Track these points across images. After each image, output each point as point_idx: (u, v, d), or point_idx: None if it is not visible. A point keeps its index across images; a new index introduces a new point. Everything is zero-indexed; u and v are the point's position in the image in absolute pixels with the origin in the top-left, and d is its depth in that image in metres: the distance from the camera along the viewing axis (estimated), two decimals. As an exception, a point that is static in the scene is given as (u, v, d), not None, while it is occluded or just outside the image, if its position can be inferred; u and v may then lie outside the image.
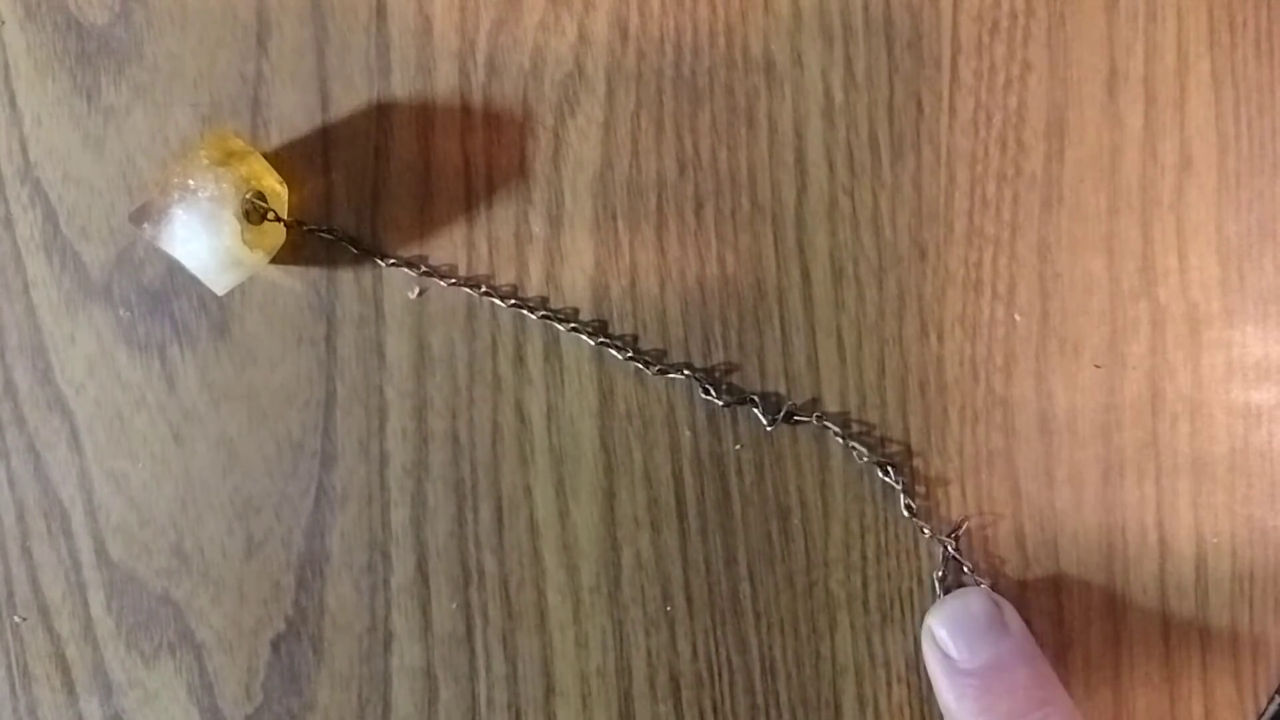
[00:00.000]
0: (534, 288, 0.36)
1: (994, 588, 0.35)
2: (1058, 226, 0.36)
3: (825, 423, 0.35)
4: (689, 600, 0.36)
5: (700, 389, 0.36)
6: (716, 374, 0.36)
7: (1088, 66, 0.36)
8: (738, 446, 0.36)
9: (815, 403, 0.36)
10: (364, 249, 0.36)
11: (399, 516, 0.36)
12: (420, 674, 0.36)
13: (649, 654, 0.36)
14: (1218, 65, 0.36)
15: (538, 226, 0.36)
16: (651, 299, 0.36)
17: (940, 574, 0.35)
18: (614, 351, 0.36)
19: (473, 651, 0.36)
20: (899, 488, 0.35)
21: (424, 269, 0.36)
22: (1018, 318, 0.36)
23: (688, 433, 0.36)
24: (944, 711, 0.33)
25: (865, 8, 0.36)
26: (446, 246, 0.36)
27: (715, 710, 0.36)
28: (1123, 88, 0.36)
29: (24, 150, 0.36)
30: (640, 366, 0.36)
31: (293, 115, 0.36)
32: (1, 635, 0.36)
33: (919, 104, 0.36)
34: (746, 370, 0.36)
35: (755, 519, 0.36)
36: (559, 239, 0.36)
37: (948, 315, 0.36)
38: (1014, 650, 0.32)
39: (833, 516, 0.36)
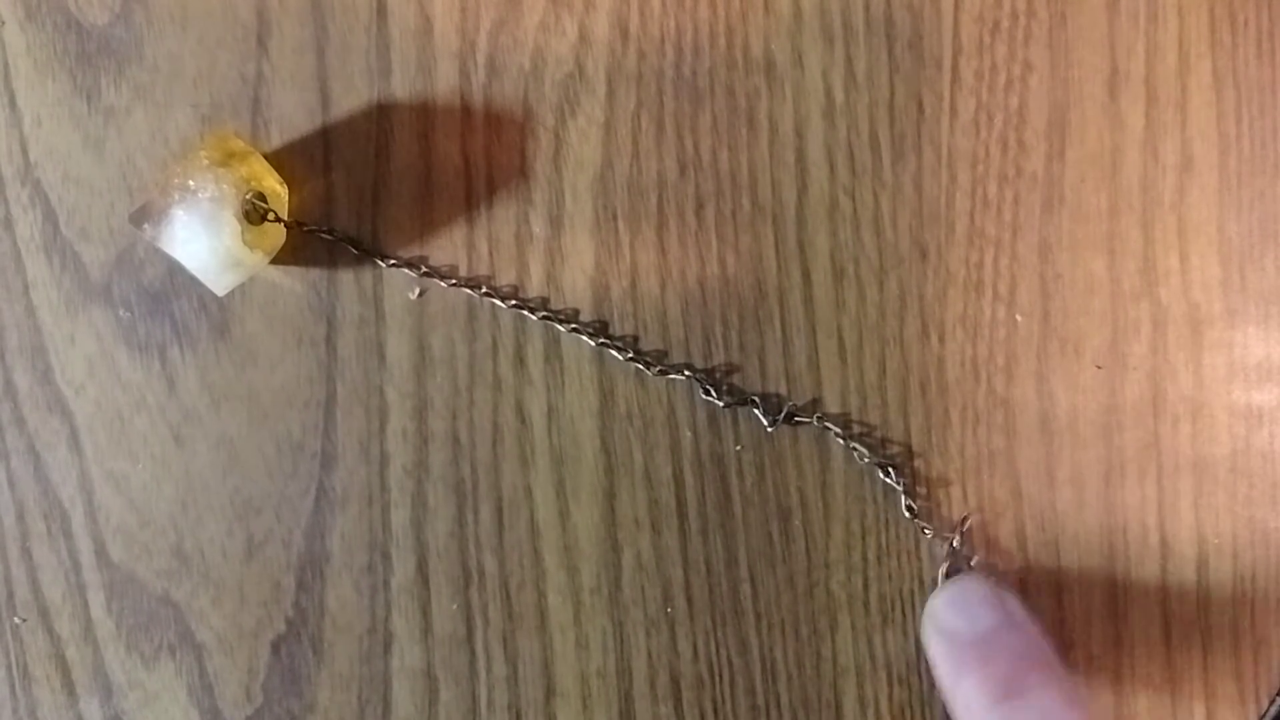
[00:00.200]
0: (535, 288, 0.36)
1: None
2: (1059, 227, 0.36)
3: (826, 423, 0.35)
4: (690, 601, 0.36)
5: (701, 390, 0.35)
6: (717, 375, 0.36)
7: (1089, 67, 0.36)
8: (738, 447, 0.36)
9: (816, 403, 0.36)
10: (364, 250, 0.36)
11: (399, 517, 0.36)
12: (420, 675, 0.36)
13: (649, 655, 0.36)
14: (1219, 65, 0.36)
15: (538, 227, 0.36)
16: (652, 299, 0.36)
17: (945, 569, 0.35)
18: (614, 352, 0.36)
19: (473, 653, 0.36)
20: (900, 489, 0.35)
21: (424, 270, 0.36)
22: (1019, 318, 0.36)
23: (688, 433, 0.36)
24: (946, 697, 0.33)
25: (866, 8, 0.36)
26: (447, 247, 0.36)
27: (716, 711, 0.36)
28: (1124, 88, 0.36)
29: (24, 151, 0.36)
30: (641, 367, 0.36)
31: (293, 115, 0.36)
32: (1, 636, 0.36)
33: (920, 104, 0.36)
34: (747, 371, 0.36)
35: (756, 520, 0.36)
36: (560, 239, 0.36)
37: (949, 316, 0.36)
38: (1012, 619, 0.32)
39: (834, 518, 0.36)
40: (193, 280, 0.34)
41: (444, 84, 0.36)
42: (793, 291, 0.36)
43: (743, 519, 0.36)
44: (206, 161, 0.33)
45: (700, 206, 0.36)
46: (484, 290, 0.36)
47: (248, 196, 0.33)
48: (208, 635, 0.36)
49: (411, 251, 0.36)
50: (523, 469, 0.36)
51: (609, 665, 0.36)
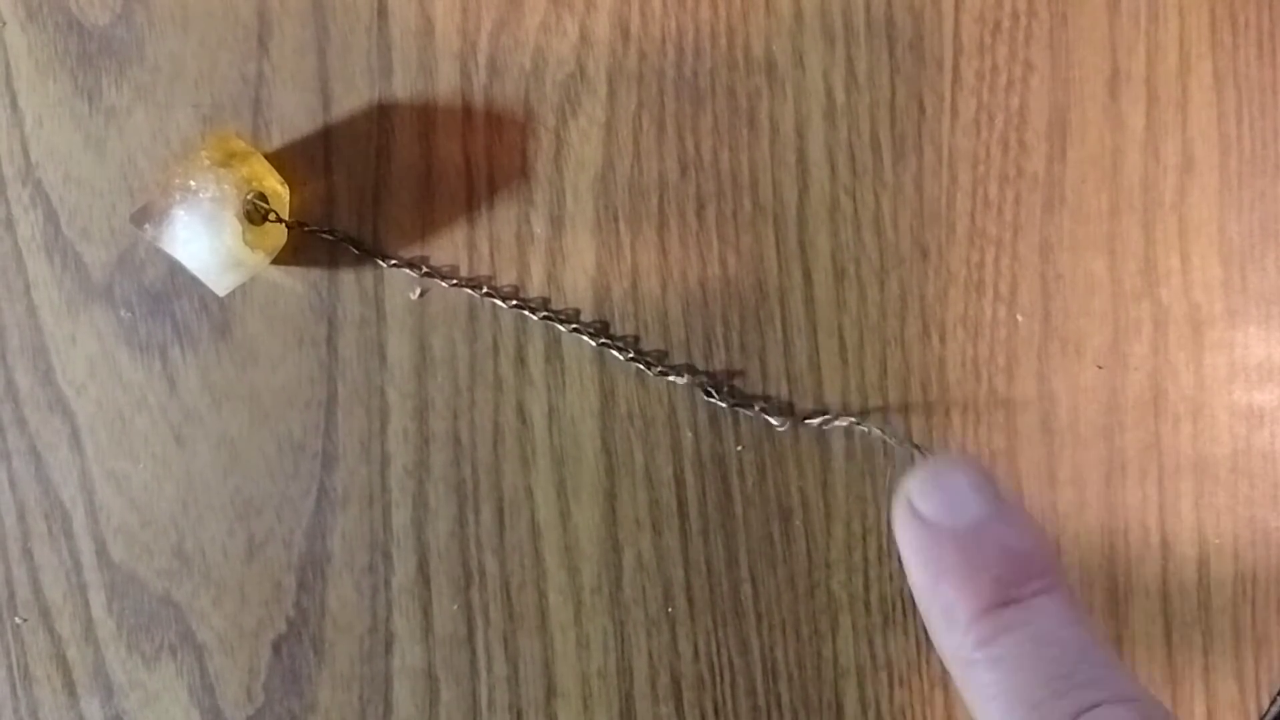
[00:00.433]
0: (535, 288, 0.36)
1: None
2: (1060, 227, 0.36)
3: (843, 418, 0.35)
4: (690, 601, 0.36)
5: (702, 392, 0.35)
6: (718, 376, 0.36)
7: (1090, 67, 0.36)
8: (739, 448, 0.36)
9: (819, 402, 0.36)
10: (365, 250, 0.36)
11: (400, 517, 0.36)
12: (421, 675, 0.36)
13: (650, 655, 0.36)
14: (1220, 66, 0.36)
15: (539, 227, 0.36)
16: (653, 300, 0.36)
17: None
18: (615, 352, 0.36)
19: (474, 653, 0.36)
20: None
21: (425, 270, 0.36)
22: (1020, 318, 0.36)
23: (689, 434, 0.36)
24: (920, 603, 0.26)
25: (867, 8, 0.36)
26: (448, 247, 0.36)
27: (717, 712, 0.36)
28: (1125, 88, 0.36)
29: (25, 151, 0.36)
30: (642, 367, 0.36)
31: (294, 116, 0.36)
32: (2, 636, 0.36)
33: (921, 105, 0.36)
34: (748, 371, 0.36)
35: (757, 520, 0.36)
36: (560, 240, 0.36)
37: (950, 316, 0.36)
38: (1005, 512, 0.25)
39: (835, 518, 0.36)
40: (194, 280, 0.34)
41: (445, 84, 0.36)
42: (794, 292, 0.36)
43: (744, 519, 0.36)
44: (208, 162, 0.33)
45: (701, 207, 0.36)
46: (485, 290, 0.36)
47: (249, 197, 0.33)
48: (209, 635, 0.36)
49: (412, 252, 0.36)
50: (523, 469, 0.36)
51: (610, 665, 0.36)
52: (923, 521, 0.26)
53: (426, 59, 0.36)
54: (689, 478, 0.36)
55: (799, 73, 0.36)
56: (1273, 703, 0.36)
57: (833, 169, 0.36)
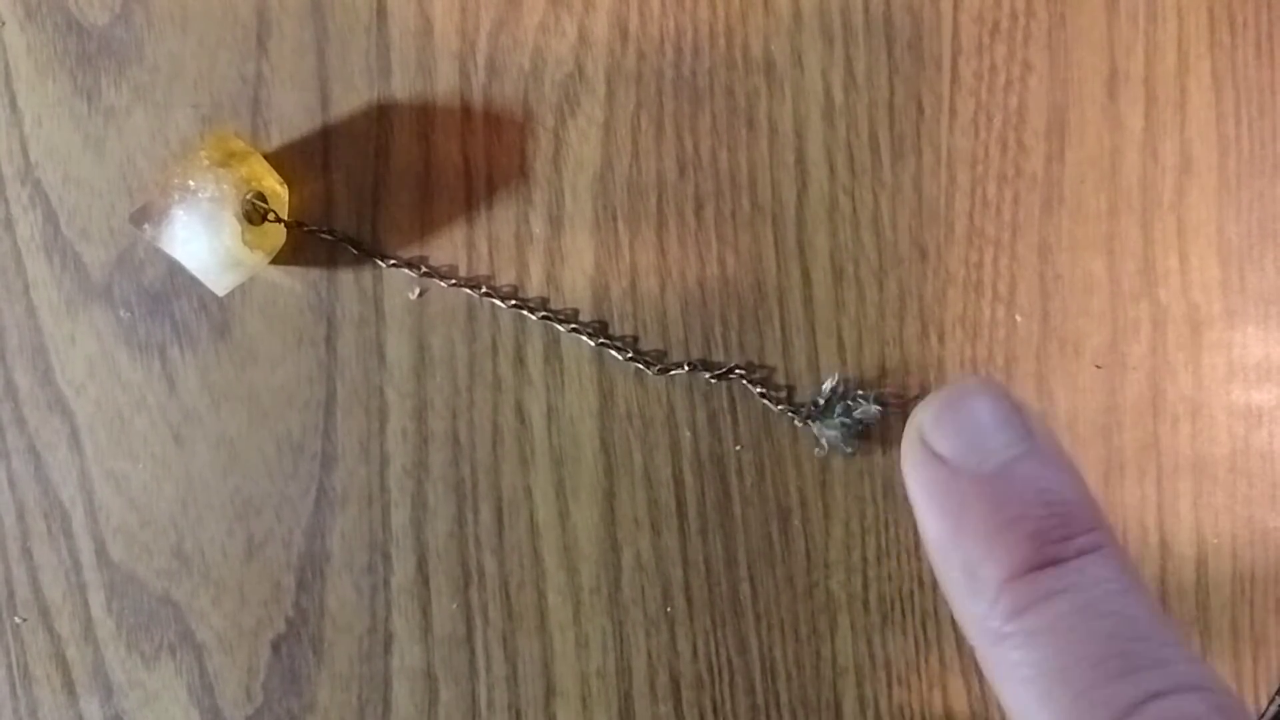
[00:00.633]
0: (534, 288, 0.36)
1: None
2: (1058, 227, 0.36)
3: (860, 393, 0.35)
4: (689, 601, 0.36)
5: (706, 373, 0.35)
6: (719, 367, 0.36)
7: (1088, 67, 0.36)
8: (738, 447, 0.36)
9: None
10: (364, 250, 0.36)
11: (399, 517, 0.36)
12: (420, 675, 0.36)
13: (649, 655, 0.36)
14: (1218, 66, 0.36)
15: (538, 227, 0.36)
16: (652, 300, 0.36)
17: None
18: (614, 352, 0.36)
19: (473, 652, 0.36)
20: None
21: (424, 270, 0.36)
22: (1018, 318, 0.36)
23: (688, 433, 0.36)
24: (934, 561, 0.21)
25: (865, 8, 0.36)
26: (447, 247, 0.36)
27: (716, 711, 0.36)
28: (1123, 88, 0.36)
29: (24, 151, 0.36)
30: (640, 367, 0.36)
31: (293, 116, 0.36)
32: (2, 636, 0.36)
33: (919, 105, 0.36)
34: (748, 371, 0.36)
35: (755, 520, 0.36)
36: (559, 240, 0.36)
37: (948, 316, 0.36)
38: (1041, 450, 0.20)
39: (833, 517, 0.36)
40: (193, 280, 0.34)
41: (444, 84, 0.36)
42: (792, 291, 0.36)
43: (742, 519, 0.36)
44: (207, 162, 0.33)
45: (700, 207, 0.36)
46: (484, 290, 0.36)
47: (248, 197, 0.33)
48: (208, 635, 0.36)
49: (411, 251, 0.36)
50: (522, 469, 0.36)
51: (609, 665, 0.36)
52: (940, 462, 0.21)
53: (425, 59, 0.36)
54: (688, 477, 0.36)
55: (797, 73, 0.36)
56: (1271, 702, 0.36)
57: (831, 169, 0.36)
